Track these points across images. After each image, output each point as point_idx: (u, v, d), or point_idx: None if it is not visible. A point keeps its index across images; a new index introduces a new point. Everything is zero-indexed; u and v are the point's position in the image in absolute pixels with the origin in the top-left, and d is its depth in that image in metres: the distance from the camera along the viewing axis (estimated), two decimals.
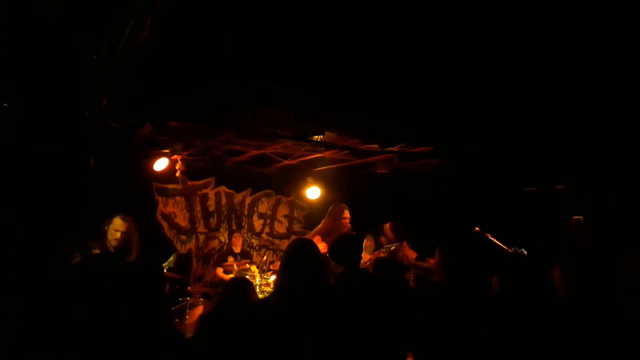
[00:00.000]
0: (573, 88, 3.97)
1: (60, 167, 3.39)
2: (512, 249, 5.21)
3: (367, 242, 5.25)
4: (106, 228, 3.89)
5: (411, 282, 3.36)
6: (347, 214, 4.89)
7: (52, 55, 2.80)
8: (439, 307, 2.84)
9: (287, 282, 2.64)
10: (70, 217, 3.51)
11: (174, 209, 6.24)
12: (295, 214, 7.48)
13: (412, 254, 5.43)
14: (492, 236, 5.39)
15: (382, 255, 4.96)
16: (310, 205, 7.30)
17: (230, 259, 5.68)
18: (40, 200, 3.27)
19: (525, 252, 5.04)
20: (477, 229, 5.48)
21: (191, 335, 2.72)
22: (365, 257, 5.03)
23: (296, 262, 2.69)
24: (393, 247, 5.03)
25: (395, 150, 4.91)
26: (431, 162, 5.51)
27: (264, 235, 7.15)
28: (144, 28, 2.39)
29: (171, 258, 4.95)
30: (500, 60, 3.63)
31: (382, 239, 5.24)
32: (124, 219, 4.15)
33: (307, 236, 5.23)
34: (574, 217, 5.89)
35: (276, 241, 7.25)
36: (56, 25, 2.58)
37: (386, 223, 5.33)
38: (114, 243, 4.14)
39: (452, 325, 2.66)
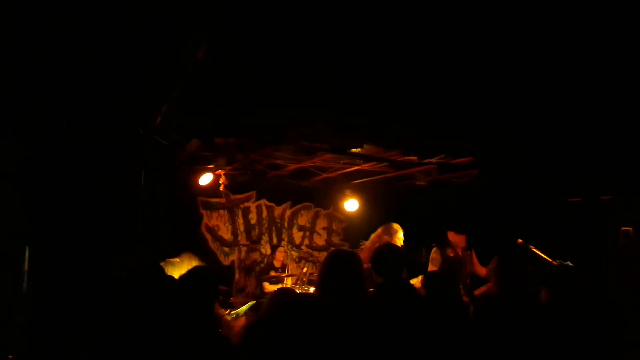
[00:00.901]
0: (617, 97, 3.90)
1: (114, 182, 3.57)
2: (557, 261, 5.08)
3: (434, 255, 5.20)
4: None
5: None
6: (400, 235, 4.86)
7: (112, 72, 3.00)
8: (490, 321, 2.83)
9: (322, 293, 2.69)
10: (122, 230, 3.68)
11: (218, 222, 6.44)
12: (334, 227, 7.55)
13: (481, 270, 5.24)
14: (536, 248, 5.28)
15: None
16: (349, 217, 7.35)
17: (273, 273, 5.81)
18: (93, 214, 3.44)
19: (570, 264, 4.91)
20: (520, 241, 5.38)
21: (237, 342, 2.81)
22: (433, 269, 4.99)
23: (332, 273, 2.73)
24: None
25: (434, 161, 4.91)
26: (471, 173, 5.48)
27: (303, 247, 7.25)
28: (199, 51, 2.55)
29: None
30: (542, 72, 3.62)
31: (449, 250, 5.17)
32: None
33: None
34: (623, 227, 5.70)
35: (315, 253, 7.33)
36: (114, 44, 2.76)
37: (450, 233, 5.24)
38: None
39: (503, 338, 2.65)
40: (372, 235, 5.00)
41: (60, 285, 3.29)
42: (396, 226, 4.96)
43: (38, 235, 3.32)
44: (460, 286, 4.68)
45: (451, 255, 5.13)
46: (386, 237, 4.86)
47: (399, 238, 4.86)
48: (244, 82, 3.58)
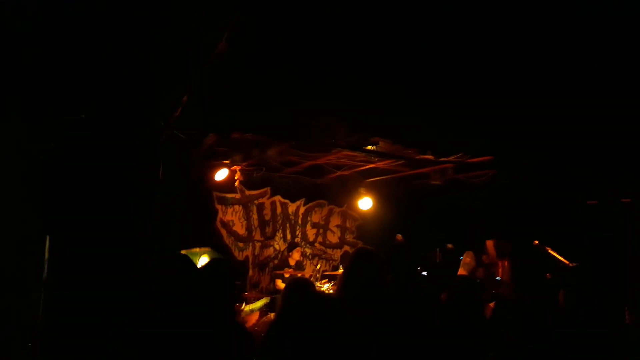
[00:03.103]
0: (635, 98, 3.84)
1: (132, 176, 3.59)
2: (574, 263, 5.01)
3: (467, 259, 5.14)
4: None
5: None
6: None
7: (130, 65, 3.02)
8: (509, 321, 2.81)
9: (347, 289, 2.71)
10: (139, 224, 3.71)
11: (233, 217, 6.48)
12: (348, 224, 7.54)
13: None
14: (553, 250, 5.22)
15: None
16: (363, 215, 7.34)
17: (287, 270, 5.83)
18: (112, 205, 3.47)
19: (585, 266, 4.85)
20: (537, 242, 5.33)
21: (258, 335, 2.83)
22: (463, 273, 4.94)
23: (356, 269, 2.74)
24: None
25: (451, 160, 4.88)
26: (487, 173, 5.43)
27: (317, 244, 7.26)
28: (221, 42, 2.57)
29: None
30: (562, 69, 3.58)
31: (484, 257, 5.09)
32: None
33: None
34: None
35: (329, 251, 7.33)
36: (134, 36, 2.79)
37: (489, 240, 5.17)
38: None
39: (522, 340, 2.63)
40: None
41: (80, 274, 3.32)
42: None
43: (57, 225, 3.36)
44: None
45: (485, 260, 5.05)
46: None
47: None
48: (261, 78, 3.60)
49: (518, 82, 3.65)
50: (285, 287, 2.84)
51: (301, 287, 2.62)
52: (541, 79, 3.66)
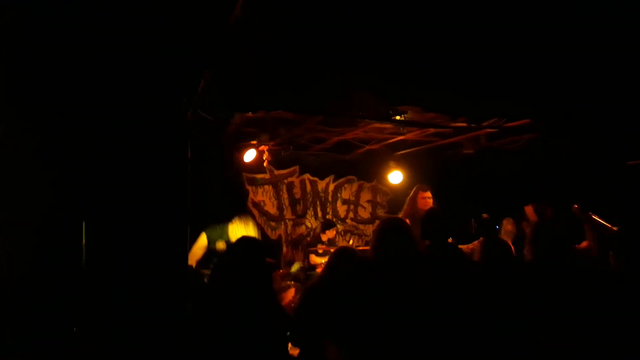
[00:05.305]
0: None
1: (160, 158, 3.59)
2: (618, 227, 4.82)
3: (508, 226, 5.04)
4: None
5: None
6: (424, 194, 4.79)
7: (149, 43, 2.97)
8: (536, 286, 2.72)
9: (379, 258, 2.68)
10: (170, 208, 3.72)
11: (263, 198, 6.50)
12: (379, 199, 7.46)
13: None
14: (595, 214, 5.03)
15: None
16: (394, 189, 7.24)
17: (320, 246, 5.83)
18: (142, 191, 3.47)
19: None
20: (576, 206, 5.14)
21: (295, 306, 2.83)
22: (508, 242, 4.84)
23: (387, 239, 2.71)
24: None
25: (485, 125, 4.69)
26: (522, 138, 5.22)
27: (348, 220, 7.23)
28: (235, 8, 2.49)
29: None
30: (602, 23, 3.35)
31: (524, 223, 4.99)
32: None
33: None
34: None
35: (360, 226, 7.29)
36: (154, 13, 2.74)
37: (528, 205, 5.03)
38: None
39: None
40: (405, 205, 4.91)
41: (117, 258, 3.36)
42: (419, 187, 4.84)
43: (91, 210, 3.39)
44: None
45: (525, 226, 4.92)
46: (415, 205, 4.76)
47: (426, 197, 4.74)
48: (283, 53, 3.51)
49: (550, 34, 3.42)
50: (331, 255, 2.84)
51: (348, 254, 2.60)
52: (577, 32, 3.43)
